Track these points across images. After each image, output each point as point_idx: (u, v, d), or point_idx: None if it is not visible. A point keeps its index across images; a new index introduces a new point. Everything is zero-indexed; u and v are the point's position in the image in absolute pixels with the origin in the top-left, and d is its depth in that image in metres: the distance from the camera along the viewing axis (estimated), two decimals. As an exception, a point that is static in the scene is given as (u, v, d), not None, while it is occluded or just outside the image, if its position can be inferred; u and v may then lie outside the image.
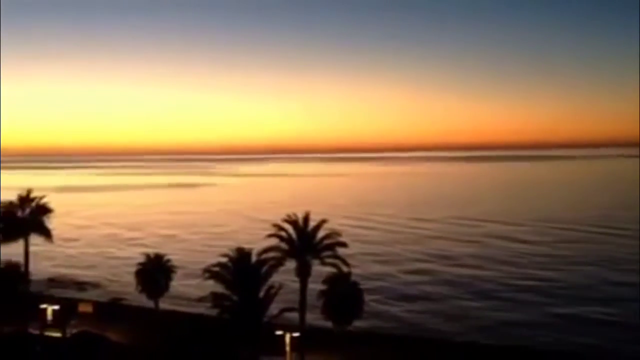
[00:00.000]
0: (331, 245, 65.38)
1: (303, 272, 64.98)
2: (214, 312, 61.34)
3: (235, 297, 60.25)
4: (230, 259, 62.47)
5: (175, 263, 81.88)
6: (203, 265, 67.56)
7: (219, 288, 61.62)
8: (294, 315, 65.04)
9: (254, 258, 62.98)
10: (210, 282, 63.77)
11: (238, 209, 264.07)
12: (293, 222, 67.07)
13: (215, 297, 60.62)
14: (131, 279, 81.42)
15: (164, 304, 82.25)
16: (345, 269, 65.11)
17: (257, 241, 70.55)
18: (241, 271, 61.19)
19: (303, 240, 65.91)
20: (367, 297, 73.51)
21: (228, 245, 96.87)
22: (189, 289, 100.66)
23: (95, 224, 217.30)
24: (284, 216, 69.56)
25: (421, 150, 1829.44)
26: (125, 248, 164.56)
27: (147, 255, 79.81)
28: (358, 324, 71.22)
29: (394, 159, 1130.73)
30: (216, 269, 62.56)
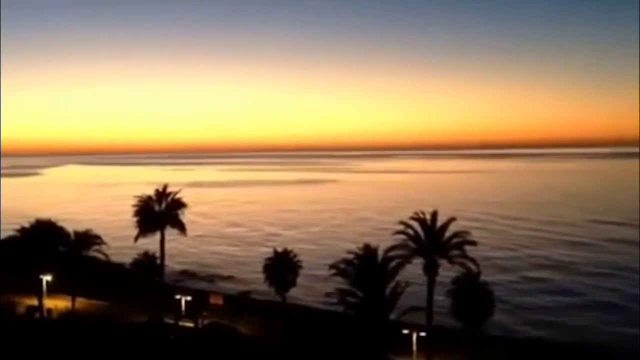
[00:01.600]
0: (460, 244, 63.89)
1: (430, 271, 63.87)
2: (339, 308, 61.53)
3: (361, 294, 60.18)
4: (357, 255, 62.49)
5: (301, 258, 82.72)
6: (329, 261, 68.09)
7: (345, 284, 61.77)
8: (421, 315, 64.06)
9: (380, 255, 62.80)
10: (336, 279, 64.11)
11: (362, 205, 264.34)
12: (420, 220, 66.07)
13: (341, 294, 60.80)
14: (260, 273, 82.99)
15: (291, 299, 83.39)
16: (474, 268, 63.42)
17: (383, 238, 70.00)
18: (367, 268, 61.09)
19: (430, 239, 64.78)
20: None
21: (353, 241, 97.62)
22: (315, 285, 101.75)
23: (225, 219, 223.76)
24: (410, 214, 68.68)
25: (559, 146, 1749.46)
26: (254, 243, 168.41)
27: (275, 251, 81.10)
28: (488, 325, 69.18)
29: (529, 156, 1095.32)
30: (342, 265, 62.75)
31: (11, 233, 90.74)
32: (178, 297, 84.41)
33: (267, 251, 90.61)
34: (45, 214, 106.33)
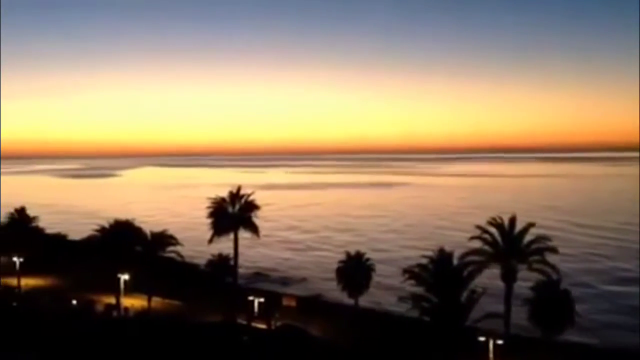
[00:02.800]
0: (540, 250, 61.96)
1: (508, 277, 62.16)
2: (413, 313, 60.50)
3: (435, 300, 58.99)
4: (431, 260, 61.28)
5: (374, 262, 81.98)
6: (401, 265, 67.14)
7: (419, 289, 60.67)
8: (498, 322, 62.39)
9: (455, 260, 61.45)
10: (410, 283, 62.99)
11: (433, 209, 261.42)
12: (498, 224, 64.41)
13: (415, 298, 59.72)
14: (332, 275, 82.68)
15: (363, 302, 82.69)
16: (554, 275, 61.37)
17: (458, 243, 68.63)
18: (442, 273, 59.80)
19: (509, 244, 63.06)
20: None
21: (425, 246, 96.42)
22: (388, 289, 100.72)
23: (297, 221, 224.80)
24: (481, 218, 67.18)
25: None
26: (326, 245, 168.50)
27: (348, 254, 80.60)
28: (569, 334, 66.85)
29: (611, 159, 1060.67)
30: (416, 269, 61.66)
31: (91, 233, 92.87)
32: (251, 298, 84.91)
33: (340, 253, 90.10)
34: (123, 214, 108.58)
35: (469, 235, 67.69)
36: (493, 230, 64.41)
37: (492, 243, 63.51)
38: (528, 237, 63.64)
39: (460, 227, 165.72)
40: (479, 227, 65.22)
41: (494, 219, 65.15)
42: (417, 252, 67.89)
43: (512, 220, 64.44)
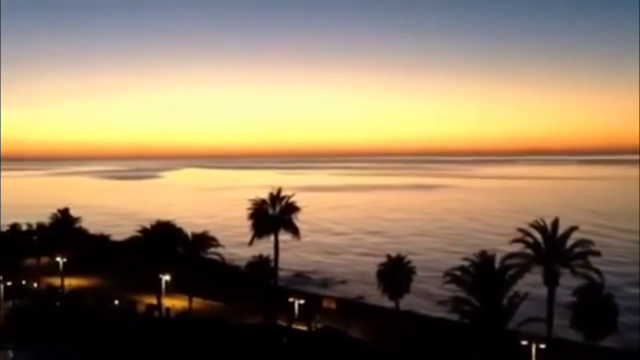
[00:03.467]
0: (583, 253, 60.93)
1: (551, 281, 61.25)
2: (454, 316, 60.00)
3: (476, 303, 58.43)
4: (472, 263, 60.72)
5: (414, 264, 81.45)
6: (441, 269, 66.64)
7: (460, 292, 60.15)
8: (539, 326, 61.53)
9: (497, 263, 60.80)
10: (448, 287, 62.55)
11: (475, 212, 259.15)
12: (541, 227, 63.52)
13: (456, 302, 59.23)
14: (372, 278, 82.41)
15: (404, 305, 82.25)
16: (598, 279, 60.29)
17: (499, 245, 67.88)
18: (484, 276, 59.22)
19: (551, 247, 62.13)
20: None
21: (466, 248, 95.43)
22: (427, 292, 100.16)
23: (339, 223, 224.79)
24: (523, 221, 66.24)
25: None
26: (368, 247, 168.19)
27: (389, 256, 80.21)
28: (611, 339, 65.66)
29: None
30: (457, 272, 61.15)
31: (134, 233, 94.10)
32: (291, 300, 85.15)
33: (380, 255, 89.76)
34: (165, 215, 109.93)
35: (508, 238, 66.88)
36: (535, 233, 63.48)
37: (535, 246, 62.61)
38: (570, 241, 62.56)
39: (500, 231, 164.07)
40: (520, 229, 64.36)
41: (536, 221, 64.27)
42: (457, 256, 67.15)
43: (555, 223, 63.48)
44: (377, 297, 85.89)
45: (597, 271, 60.16)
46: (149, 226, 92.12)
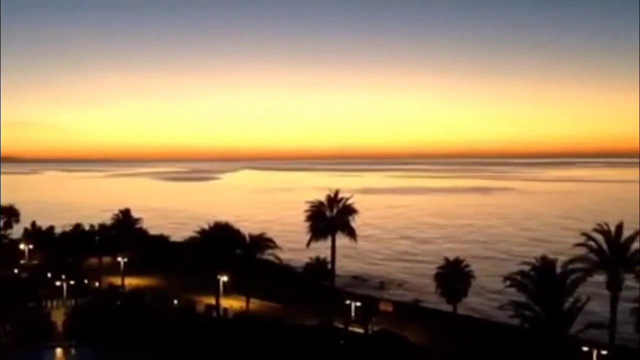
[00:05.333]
0: (647, 258, 59.25)
1: (614, 286, 59.70)
2: (514, 321, 59.05)
3: (537, 308, 57.37)
4: (533, 267, 59.62)
5: (473, 268, 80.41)
6: (500, 273, 65.66)
7: (520, 297, 59.18)
8: (602, 332, 60.06)
9: (558, 268, 59.59)
10: (509, 291, 61.57)
11: (535, 215, 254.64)
12: (604, 232, 61.95)
13: (516, 307, 58.25)
14: (430, 281, 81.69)
15: (462, 309, 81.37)
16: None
17: (561, 250, 66.50)
18: (545, 281, 58.09)
19: (615, 252, 60.55)
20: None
21: (527, 252, 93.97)
22: (486, 296, 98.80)
23: (394, 226, 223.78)
24: (584, 225, 64.74)
25: None
26: (425, 250, 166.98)
27: (447, 260, 79.39)
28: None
29: None
30: (518, 277, 60.14)
31: (192, 234, 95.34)
32: (348, 302, 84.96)
33: (437, 259, 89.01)
34: (224, 216, 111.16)
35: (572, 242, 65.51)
36: (599, 237, 61.96)
37: (598, 250, 61.10)
38: (635, 246, 60.84)
39: (563, 233, 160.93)
40: (584, 233, 62.93)
41: (599, 225, 62.72)
42: (519, 258, 66.22)
43: (619, 228, 61.84)
44: (435, 300, 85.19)
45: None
46: (207, 227, 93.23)
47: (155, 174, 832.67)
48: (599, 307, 65.04)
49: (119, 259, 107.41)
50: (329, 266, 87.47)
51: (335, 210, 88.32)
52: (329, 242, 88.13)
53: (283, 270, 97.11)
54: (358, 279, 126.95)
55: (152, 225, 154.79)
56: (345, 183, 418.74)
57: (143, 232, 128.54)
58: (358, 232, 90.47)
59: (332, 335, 74.89)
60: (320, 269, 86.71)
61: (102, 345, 70.72)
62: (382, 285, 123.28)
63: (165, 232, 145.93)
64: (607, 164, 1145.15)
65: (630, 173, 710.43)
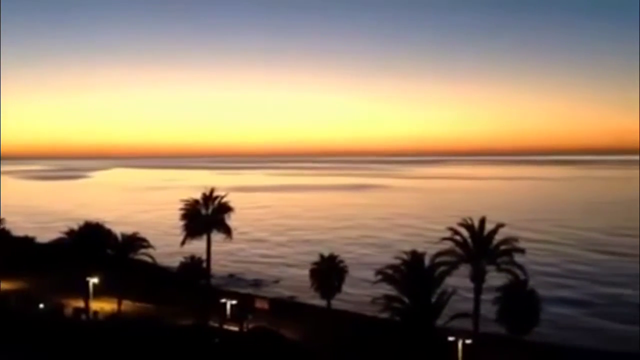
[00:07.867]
0: (508, 251, 62.52)
1: (477, 278, 62.61)
2: (385, 314, 60.70)
3: (407, 300, 59.33)
4: (403, 262, 61.58)
5: (346, 264, 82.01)
6: (373, 267, 67.27)
7: (393, 291, 60.93)
8: (467, 322, 62.87)
9: (427, 262, 61.81)
10: (384, 285, 63.20)
11: (407, 211, 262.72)
12: (468, 226, 64.84)
13: (387, 300, 59.99)
14: (305, 278, 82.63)
15: (336, 304, 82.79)
16: (522, 276, 62.03)
17: (430, 245, 68.93)
18: (414, 274, 60.16)
19: (478, 245, 63.51)
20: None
21: (397, 248, 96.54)
22: (359, 290, 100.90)
23: (270, 224, 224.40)
24: (457, 220, 67.39)
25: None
26: (299, 247, 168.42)
27: (321, 256, 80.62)
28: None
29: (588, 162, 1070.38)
30: (389, 271, 61.90)
31: (60, 235, 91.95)
32: (223, 300, 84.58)
33: (313, 255, 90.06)
34: (93, 216, 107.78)
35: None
36: (464, 231, 64.74)
37: (463, 244, 63.85)
38: (497, 238, 63.98)
39: (434, 228, 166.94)
40: (450, 228, 65.56)
41: (464, 220, 65.53)
42: (393, 253, 68.09)
43: (482, 222, 64.83)
44: (311, 296, 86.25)
45: (521, 267, 61.81)
46: (76, 228, 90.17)
47: (18, 172, 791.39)
48: (464, 298, 67.63)
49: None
50: (204, 265, 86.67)
51: (210, 209, 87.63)
52: (204, 242, 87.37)
53: (157, 270, 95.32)
54: (234, 277, 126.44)
55: (17, 227, 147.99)
56: (224, 181, 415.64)
57: (6, 233, 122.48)
58: (234, 230, 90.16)
59: (207, 334, 74.35)
60: (195, 268, 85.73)
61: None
62: (258, 283, 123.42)
63: (31, 234, 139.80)
64: (478, 162, 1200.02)
65: (490, 171, 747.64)
